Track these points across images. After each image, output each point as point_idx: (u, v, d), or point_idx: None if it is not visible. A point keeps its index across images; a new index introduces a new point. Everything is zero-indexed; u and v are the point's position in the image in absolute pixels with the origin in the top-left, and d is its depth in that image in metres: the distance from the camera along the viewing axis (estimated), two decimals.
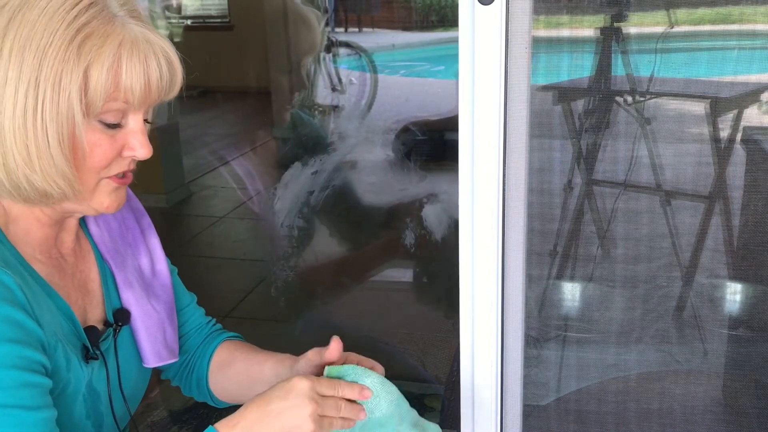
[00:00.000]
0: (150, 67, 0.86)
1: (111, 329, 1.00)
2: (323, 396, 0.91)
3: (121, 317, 1.01)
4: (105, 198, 0.91)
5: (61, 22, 0.81)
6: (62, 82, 0.81)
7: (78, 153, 0.85)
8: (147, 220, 1.10)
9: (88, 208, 0.92)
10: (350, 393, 0.94)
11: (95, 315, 1.00)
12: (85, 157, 0.86)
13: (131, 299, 1.02)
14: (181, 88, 0.92)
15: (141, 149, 0.90)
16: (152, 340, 1.03)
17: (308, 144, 3.01)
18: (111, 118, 0.86)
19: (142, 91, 0.86)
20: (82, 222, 1.03)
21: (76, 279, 0.98)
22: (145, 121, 0.92)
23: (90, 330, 0.96)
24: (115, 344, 1.00)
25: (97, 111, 0.84)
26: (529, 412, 1.35)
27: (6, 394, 0.78)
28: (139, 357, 1.04)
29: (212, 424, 0.88)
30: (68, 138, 0.83)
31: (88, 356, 0.94)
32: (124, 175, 0.92)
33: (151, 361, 1.04)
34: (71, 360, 0.90)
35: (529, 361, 1.31)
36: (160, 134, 3.86)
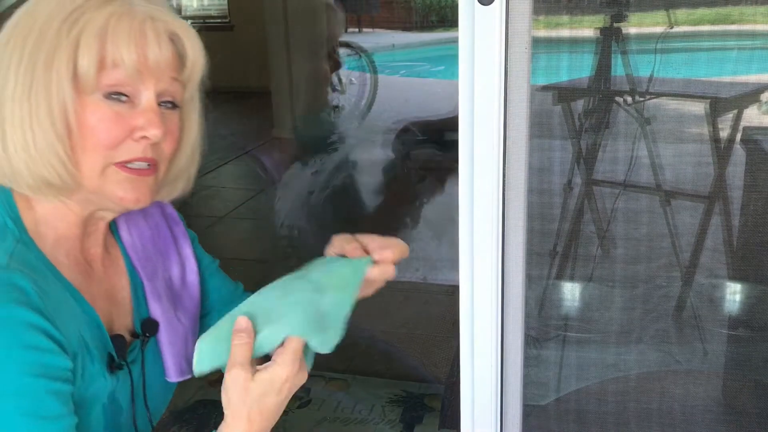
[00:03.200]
0: (146, 38, 0.83)
1: (138, 340, 0.97)
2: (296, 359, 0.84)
3: (149, 328, 0.98)
4: (116, 188, 0.86)
5: (62, 6, 0.82)
6: (54, 61, 0.81)
7: (73, 132, 0.82)
8: (181, 228, 1.07)
9: (103, 199, 0.88)
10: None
11: (122, 325, 0.96)
12: (85, 137, 0.83)
13: (158, 311, 0.99)
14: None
15: (150, 128, 0.85)
16: (175, 354, 1.00)
17: (309, 144, 3.01)
18: (112, 89, 0.83)
19: (134, 61, 0.83)
20: (115, 230, 1.00)
21: (103, 288, 0.95)
22: (170, 102, 0.89)
23: (116, 339, 0.92)
24: (142, 355, 0.97)
25: (92, 83, 0.82)
26: (529, 412, 1.35)
27: (27, 402, 0.76)
28: (163, 370, 1.01)
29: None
30: (60, 116, 0.81)
31: (113, 366, 0.91)
32: (149, 165, 0.88)
33: (174, 375, 1.01)
34: (93, 368, 0.87)
35: (529, 361, 1.31)
36: None
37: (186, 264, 1.06)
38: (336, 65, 3.03)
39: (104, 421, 0.91)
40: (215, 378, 1.09)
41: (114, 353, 0.91)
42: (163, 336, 1.00)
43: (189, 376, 1.02)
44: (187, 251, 1.06)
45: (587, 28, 1.35)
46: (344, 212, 2.85)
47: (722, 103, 1.36)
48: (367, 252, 0.96)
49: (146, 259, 1.01)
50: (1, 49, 0.83)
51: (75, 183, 0.85)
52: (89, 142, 0.83)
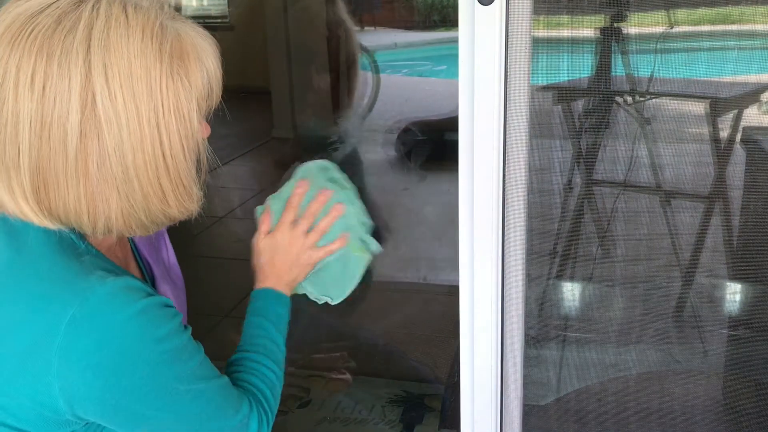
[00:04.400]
0: (217, 59, 0.88)
1: None
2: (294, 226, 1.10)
3: None
4: (194, 206, 0.93)
5: (153, 55, 0.80)
6: (182, 110, 0.82)
7: (201, 169, 0.88)
8: None
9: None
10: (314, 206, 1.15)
11: None
12: (201, 170, 0.88)
13: (168, 291, 1.04)
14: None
15: (205, 138, 0.92)
16: None
17: (308, 143, 3.01)
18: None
19: (221, 83, 0.88)
20: None
21: None
22: None
23: None
24: None
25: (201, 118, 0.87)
26: (529, 412, 1.35)
27: (202, 370, 0.91)
28: None
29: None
30: (196, 159, 0.86)
31: None
32: None
33: None
34: None
35: (529, 361, 1.31)
36: None
37: (168, 246, 1.12)
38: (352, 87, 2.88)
39: None
40: None
41: None
42: None
43: None
44: (164, 232, 1.12)
45: (587, 28, 1.35)
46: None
47: (722, 103, 1.36)
48: None
49: (149, 244, 1.06)
50: (105, 102, 0.78)
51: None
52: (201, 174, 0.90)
